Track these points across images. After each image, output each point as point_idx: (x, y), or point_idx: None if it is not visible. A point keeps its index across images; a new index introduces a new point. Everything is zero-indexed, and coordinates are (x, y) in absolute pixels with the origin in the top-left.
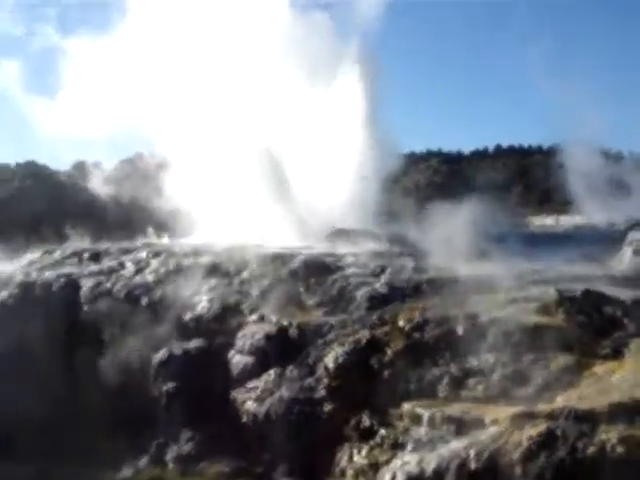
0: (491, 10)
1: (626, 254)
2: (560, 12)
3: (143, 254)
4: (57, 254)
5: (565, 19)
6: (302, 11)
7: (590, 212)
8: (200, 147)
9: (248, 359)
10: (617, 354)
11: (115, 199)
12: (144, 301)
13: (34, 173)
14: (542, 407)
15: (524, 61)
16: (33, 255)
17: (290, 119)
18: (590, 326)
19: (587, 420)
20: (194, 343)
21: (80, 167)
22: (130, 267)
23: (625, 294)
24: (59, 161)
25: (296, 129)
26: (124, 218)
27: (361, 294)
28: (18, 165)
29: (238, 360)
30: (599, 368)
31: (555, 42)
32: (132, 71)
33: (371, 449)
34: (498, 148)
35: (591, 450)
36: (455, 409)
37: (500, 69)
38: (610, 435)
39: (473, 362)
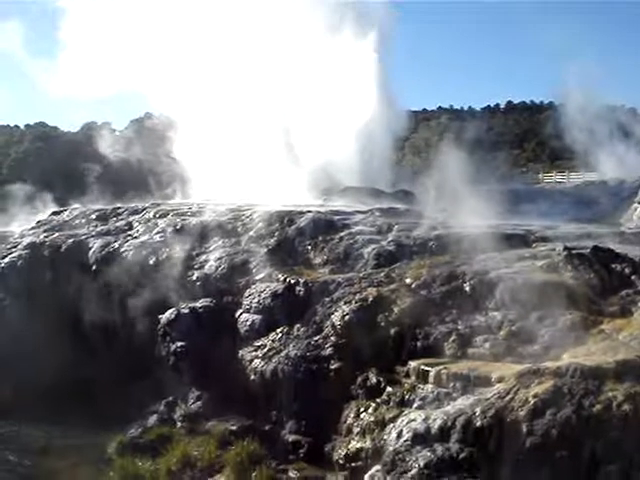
0: None
1: (636, 211)
2: None
3: (151, 214)
4: (65, 215)
5: None
6: None
7: (602, 169)
8: (208, 107)
9: (255, 317)
10: (625, 312)
11: (124, 159)
12: (152, 261)
13: (44, 134)
14: (548, 364)
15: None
16: (42, 216)
17: (299, 77)
18: (598, 284)
19: (593, 377)
20: (202, 302)
21: (90, 128)
22: (138, 227)
23: (634, 251)
24: (69, 122)
25: (305, 88)
26: (133, 178)
27: (368, 252)
28: (28, 126)
29: (245, 318)
30: (607, 326)
31: None
32: (137, 31)
33: (377, 406)
34: (509, 104)
35: (597, 407)
36: (462, 366)
37: (512, 24)
38: (616, 392)
39: (480, 319)
